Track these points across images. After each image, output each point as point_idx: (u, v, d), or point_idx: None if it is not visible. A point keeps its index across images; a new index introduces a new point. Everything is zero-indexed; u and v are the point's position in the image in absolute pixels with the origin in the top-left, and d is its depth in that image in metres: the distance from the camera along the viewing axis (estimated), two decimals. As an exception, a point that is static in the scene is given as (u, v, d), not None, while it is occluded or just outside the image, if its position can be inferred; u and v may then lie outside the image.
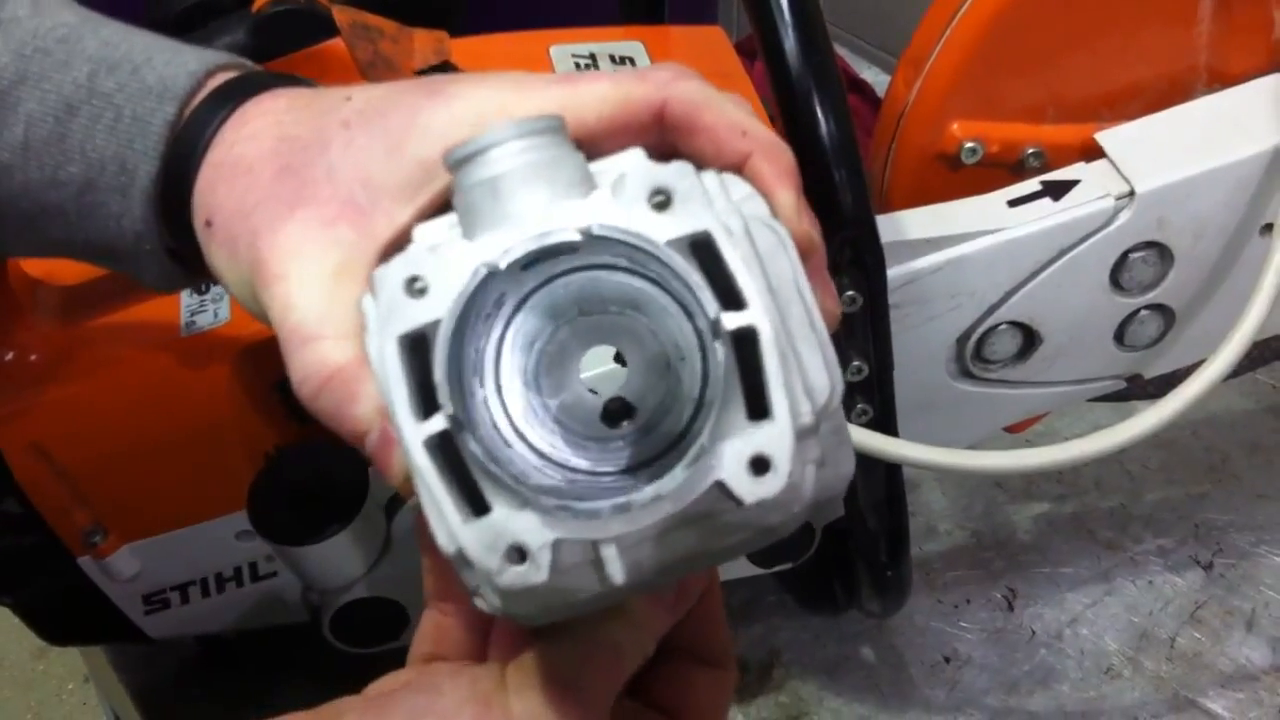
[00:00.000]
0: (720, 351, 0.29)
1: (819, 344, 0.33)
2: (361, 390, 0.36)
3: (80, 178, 0.45)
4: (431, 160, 0.37)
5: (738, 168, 0.37)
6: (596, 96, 0.37)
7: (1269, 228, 0.70)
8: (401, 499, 0.69)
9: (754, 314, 0.30)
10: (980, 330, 0.71)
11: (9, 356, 0.65)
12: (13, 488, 0.66)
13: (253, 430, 0.68)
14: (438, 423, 0.30)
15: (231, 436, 0.67)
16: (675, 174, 0.31)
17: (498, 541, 0.30)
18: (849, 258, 0.57)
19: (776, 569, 0.80)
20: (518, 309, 0.32)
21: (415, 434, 0.30)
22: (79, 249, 0.48)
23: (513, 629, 0.40)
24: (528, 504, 0.30)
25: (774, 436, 0.30)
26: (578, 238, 0.30)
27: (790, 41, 0.56)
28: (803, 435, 0.31)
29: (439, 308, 0.31)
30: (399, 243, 0.38)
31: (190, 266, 0.46)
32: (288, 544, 0.65)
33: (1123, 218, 0.68)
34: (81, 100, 0.45)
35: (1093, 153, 0.72)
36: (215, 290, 0.67)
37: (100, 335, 0.66)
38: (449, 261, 0.31)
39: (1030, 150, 0.73)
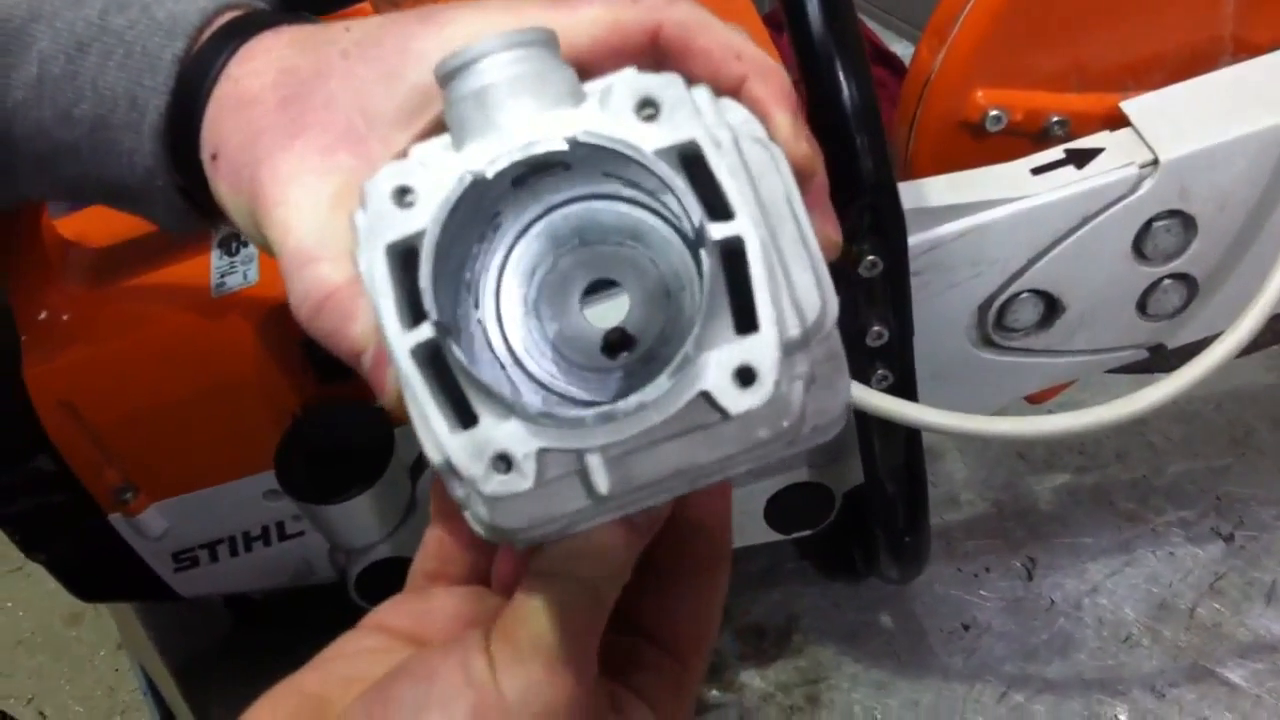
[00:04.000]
0: (705, 260, 0.29)
1: (811, 263, 0.33)
2: (358, 309, 0.37)
3: (92, 115, 0.46)
4: (427, 86, 0.38)
5: (734, 91, 0.37)
6: (588, 19, 0.38)
7: (1293, 198, 0.70)
8: (421, 461, 0.70)
9: (741, 224, 0.30)
10: (1002, 298, 0.71)
11: (41, 316, 0.67)
12: (45, 445, 0.67)
13: (280, 390, 0.69)
14: (425, 331, 0.30)
15: (259, 396, 0.68)
16: (663, 84, 0.31)
17: (483, 450, 0.30)
18: (870, 223, 0.58)
19: (795, 535, 0.80)
20: (518, 238, 0.33)
21: (402, 342, 0.31)
22: (92, 187, 0.49)
23: (512, 552, 0.40)
24: (513, 413, 0.30)
25: (759, 347, 0.30)
26: (564, 147, 0.30)
27: (813, 6, 0.57)
28: (790, 349, 0.31)
29: (427, 217, 0.31)
30: None
31: (200, 206, 0.47)
32: (313, 502, 0.66)
33: (1146, 186, 0.68)
34: (93, 37, 0.46)
35: (1117, 122, 0.72)
36: (245, 252, 0.68)
37: (130, 296, 0.68)
38: (437, 171, 0.31)
39: (1054, 119, 0.73)
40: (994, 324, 0.73)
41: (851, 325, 0.62)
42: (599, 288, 0.33)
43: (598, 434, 0.30)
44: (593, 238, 0.33)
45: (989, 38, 0.70)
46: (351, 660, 0.39)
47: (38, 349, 0.66)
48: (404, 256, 0.31)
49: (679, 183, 0.30)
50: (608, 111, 0.31)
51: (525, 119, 0.32)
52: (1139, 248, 0.71)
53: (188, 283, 0.67)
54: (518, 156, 0.31)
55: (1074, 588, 0.89)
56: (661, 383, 0.29)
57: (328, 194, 0.39)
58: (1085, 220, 0.69)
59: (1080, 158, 0.70)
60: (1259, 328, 0.65)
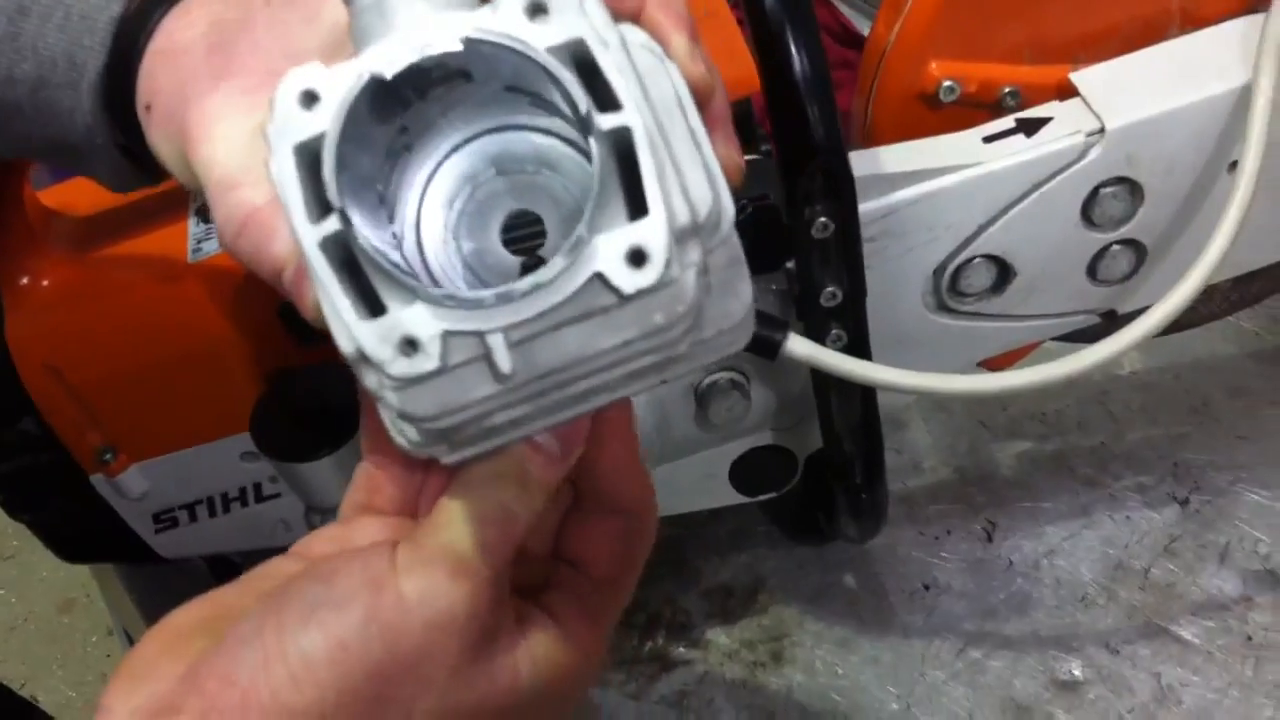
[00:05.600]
0: (594, 146, 0.31)
1: (702, 161, 0.34)
2: (278, 227, 0.38)
3: (33, 75, 0.48)
4: (341, 28, 0.39)
5: (634, 17, 0.38)
6: None
7: (1235, 165, 0.73)
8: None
9: (627, 115, 0.31)
10: (955, 263, 0.73)
11: (24, 282, 0.69)
12: (29, 407, 0.69)
13: (256, 353, 0.71)
14: (331, 223, 0.31)
15: (235, 359, 0.70)
16: None
17: (391, 334, 0.31)
18: (821, 185, 0.60)
19: (761, 498, 0.83)
20: (437, 168, 0.34)
21: (311, 235, 0.31)
22: (37, 146, 0.50)
23: (440, 482, 0.42)
24: (418, 297, 0.31)
25: (649, 229, 0.31)
26: (459, 46, 0.32)
27: (766, -21, 0.59)
28: (682, 236, 0.32)
29: (326, 116, 0.32)
30: None
31: (141, 163, 0.48)
32: (287, 461, 0.68)
33: (1093, 154, 0.71)
34: (33, 1, 0.47)
35: (1068, 92, 0.74)
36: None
37: (110, 263, 0.70)
38: (338, 73, 0.32)
39: (1007, 90, 0.75)
40: (948, 289, 0.75)
41: (806, 286, 0.64)
42: (523, 223, 0.35)
43: (498, 315, 0.31)
44: (509, 167, 0.35)
45: (943, 10, 0.73)
46: (270, 579, 0.41)
47: (21, 314, 0.68)
48: (312, 157, 0.32)
49: (565, 74, 0.31)
50: (498, 12, 0.32)
51: (420, 22, 0.33)
52: (1087, 214, 0.73)
53: (166, 250, 0.69)
54: (413, 57, 0.32)
55: (1032, 549, 0.91)
56: (556, 263, 0.30)
57: (249, 128, 0.40)
58: (1035, 187, 0.71)
59: (1030, 126, 0.72)
60: (1198, 291, 0.68)
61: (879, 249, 0.70)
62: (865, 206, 0.68)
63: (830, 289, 0.65)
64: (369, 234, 0.32)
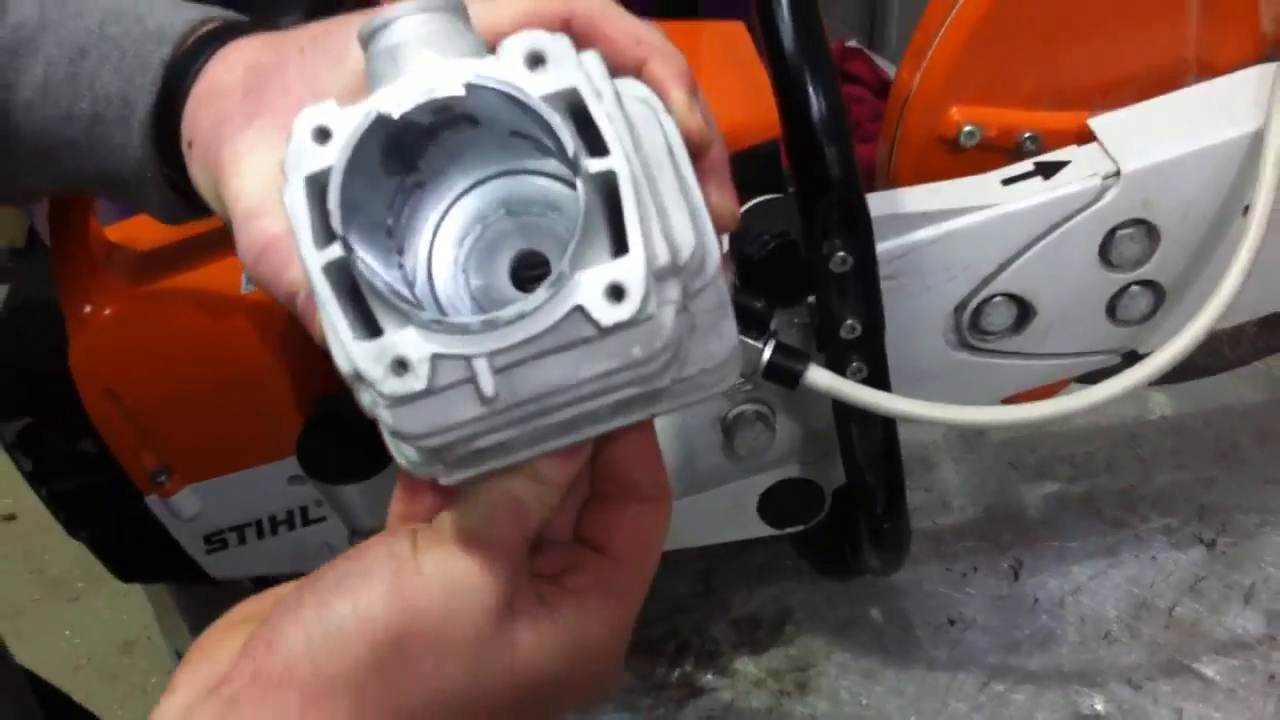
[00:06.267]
0: (580, 187, 0.33)
1: (688, 207, 0.37)
2: (294, 255, 0.40)
3: (90, 112, 0.53)
4: (363, 72, 0.42)
5: (636, 72, 0.42)
6: (509, 6, 0.43)
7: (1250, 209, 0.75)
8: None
9: (614, 160, 0.34)
10: (975, 301, 0.76)
11: (87, 310, 0.73)
12: (89, 429, 0.73)
13: (303, 381, 0.74)
14: (335, 250, 0.34)
15: (283, 386, 0.74)
16: (551, 40, 0.35)
17: (384, 355, 0.33)
18: (839, 220, 0.63)
19: (789, 530, 0.85)
20: (450, 207, 0.37)
21: (315, 260, 0.34)
22: (90, 180, 0.55)
23: None
24: (409, 321, 0.34)
25: (629, 267, 0.33)
26: (461, 91, 0.34)
27: (786, 28, 0.62)
28: (661, 275, 0.34)
29: (335, 151, 0.35)
30: None
31: (187, 196, 0.53)
32: (330, 482, 0.72)
33: (1109, 196, 0.73)
34: (92, 44, 0.52)
35: (1086, 138, 0.77)
36: (272, 253, 0.74)
37: (168, 294, 0.74)
38: (350, 111, 0.35)
39: (1027, 135, 0.78)
40: (969, 326, 0.77)
41: (826, 319, 0.67)
42: (535, 263, 0.38)
43: (484, 341, 0.33)
44: (518, 209, 0.38)
45: (964, 57, 0.76)
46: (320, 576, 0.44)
47: (83, 340, 0.72)
48: (321, 188, 0.35)
49: (556, 118, 0.34)
50: (500, 60, 0.35)
51: (428, 68, 0.36)
52: (1105, 255, 0.76)
53: (220, 282, 0.73)
54: (419, 99, 0.35)
55: (1058, 587, 0.93)
56: (540, 294, 0.33)
57: (272, 163, 0.43)
58: (1052, 227, 0.74)
59: (1048, 169, 0.75)
60: (1209, 330, 0.70)
61: (899, 286, 0.73)
62: (885, 245, 0.71)
63: (850, 322, 0.67)
64: (370, 261, 0.34)
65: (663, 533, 0.45)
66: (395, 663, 0.39)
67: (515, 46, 0.35)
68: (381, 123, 0.35)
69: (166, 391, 0.73)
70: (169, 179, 0.53)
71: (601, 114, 0.34)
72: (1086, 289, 0.77)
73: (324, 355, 0.74)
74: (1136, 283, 0.78)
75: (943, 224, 0.73)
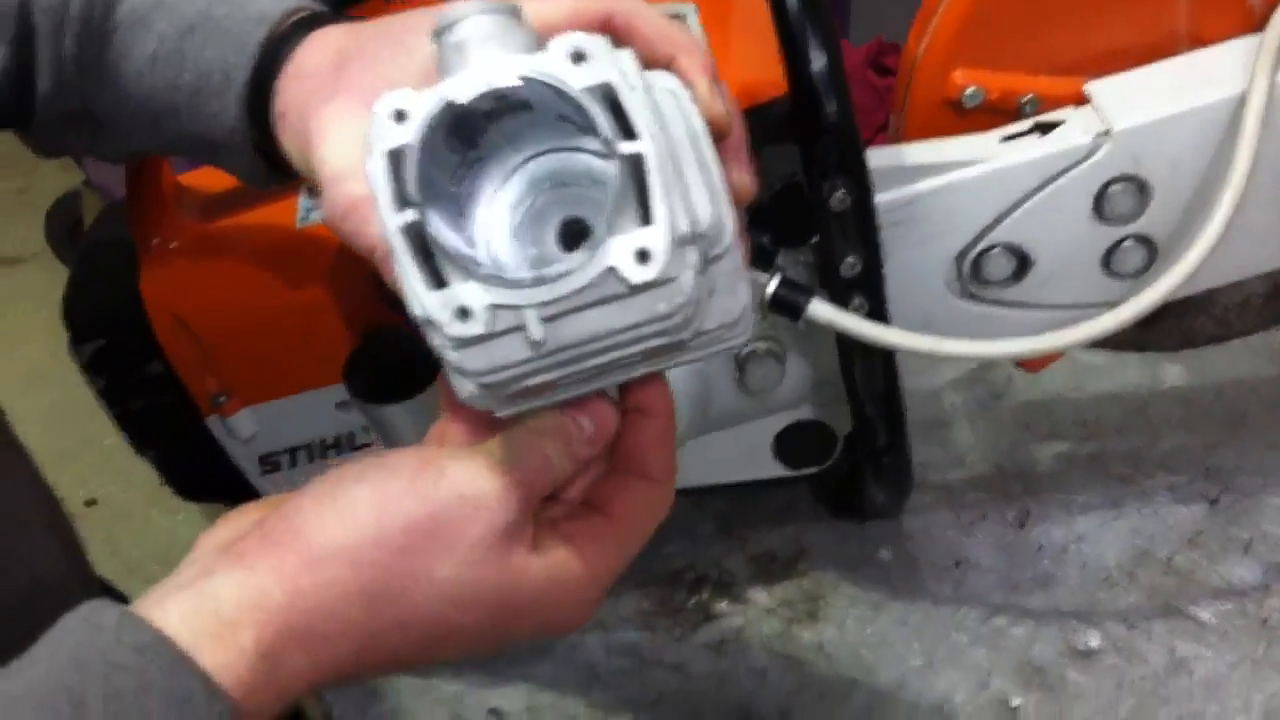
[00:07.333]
0: (614, 167, 0.40)
1: (708, 184, 0.43)
2: (373, 215, 0.46)
3: (192, 83, 0.61)
4: (433, 58, 0.49)
5: (667, 65, 0.49)
6: (556, 6, 0.50)
7: (1235, 166, 0.79)
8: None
9: (643, 143, 0.40)
10: (976, 251, 0.81)
11: (156, 242, 0.80)
12: (157, 352, 0.80)
13: (351, 312, 0.81)
14: (410, 214, 0.41)
15: (334, 316, 0.81)
16: (592, 40, 0.42)
17: (450, 303, 0.39)
18: (837, 161, 0.69)
19: (804, 471, 0.90)
20: (506, 181, 0.44)
21: (394, 221, 0.40)
22: (187, 142, 0.63)
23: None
24: (471, 276, 0.40)
25: (654, 235, 0.39)
26: (516, 82, 0.41)
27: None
28: (681, 242, 0.40)
29: (412, 130, 0.41)
30: None
31: (272, 161, 0.60)
32: (372, 403, 0.78)
33: (1101, 153, 0.78)
34: (199, 23, 0.61)
35: (1083, 101, 0.82)
36: (325, 193, 0.81)
37: (231, 228, 0.81)
38: (424, 96, 0.42)
39: (1026, 98, 0.83)
40: (971, 276, 0.83)
41: (828, 256, 0.73)
42: (575, 228, 0.44)
43: (533, 294, 0.39)
44: (564, 181, 0.44)
45: (965, 23, 0.81)
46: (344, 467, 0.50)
47: (153, 269, 0.80)
48: (399, 160, 0.41)
49: (595, 107, 0.40)
50: (549, 56, 0.42)
51: (491, 61, 0.42)
52: (1099, 209, 0.81)
53: (277, 219, 0.80)
54: (482, 88, 0.41)
55: (1062, 535, 0.97)
56: (579, 256, 0.39)
57: (358, 134, 0.49)
58: (1047, 181, 0.79)
59: (1045, 128, 0.80)
60: (1191, 274, 0.75)
61: (902, 234, 0.78)
62: (890, 195, 0.77)
63: (850, 259, 0.73)
64: (439, 224, 0.41)
65: (660, 512, 0.50)
66: (398, 543, 0.45)
67: (561, 45, 0.41)
68: (450, 108, 0.41)
69: (228, 317, 0.80)
70: (257, 145, 0.61)
71: (633, 103, 0.40)
72: (1082, 241, 0.82)
73: (370, 290, 0.81)
74: (1130, 237, 0.82)
75: (944, 176, 0.78)
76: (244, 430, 0.84)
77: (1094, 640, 0.89)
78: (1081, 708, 0.87)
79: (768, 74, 0.74)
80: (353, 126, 0.51)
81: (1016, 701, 0.88)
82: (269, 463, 0.87)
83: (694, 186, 0.42)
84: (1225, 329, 1.02)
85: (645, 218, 0.40)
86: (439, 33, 0.44)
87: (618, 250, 0.39)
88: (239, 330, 0.80)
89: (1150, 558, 0.96)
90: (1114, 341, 0.90)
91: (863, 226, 0.72)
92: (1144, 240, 0.83)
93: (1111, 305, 0.87)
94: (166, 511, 1.30)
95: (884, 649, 0.90)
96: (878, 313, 0.76)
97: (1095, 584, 0.94)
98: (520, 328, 0.40)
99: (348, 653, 0.45)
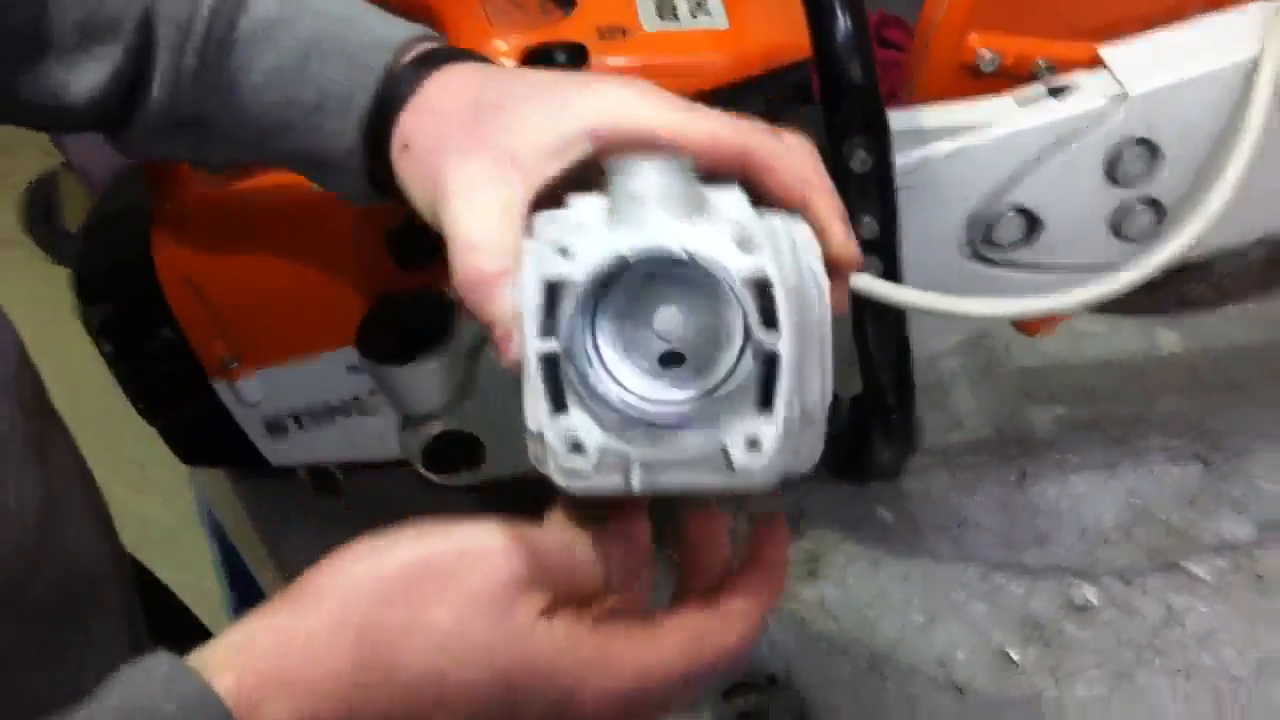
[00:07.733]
0: (749, 359, 0.42)
1: (823, 372, 0.46)
2: (501, 295, 0.48)
3: (312, 101, 0.60)
4: (574, 133, 0.52)
5: (800, 205, 0.51)
6: (697, 129, 0.51)
7: (1247, 130, 0.80)
8: (478, 348, 0.81)
9: (784, 343, 0.42)
10: (988, 213, 0.81)
11: (169, 206, 0.79)
12: (169, 318, 0.80)
13: (364, 276, 0.81)
14: (552, 344, 0.43)
15: (346, 281, 0.80)
16: (758, 226, 0.44)
17: (566, 434, 0.43)
18: (859, 122, 0.69)
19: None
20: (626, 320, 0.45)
21: (535, 346, 0.43)
22: (299, 159, 0.63)
23: None
24: (593, 417, 0.43)
25: (769, 428, 0.42)
26: (683, 255, 0.43)
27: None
28: (790, 435, 0.43)
29: (576, 270, 0.43)
30: (546, 192, 0.51)
31: (379, 185, 0.61)
32: (383, 364, 0.78)
33: (1115, 116, 0.79)
34: (324, 41, 0.60)
35: (1096, 64, 0.82)
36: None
37: (246, 192, 0.80)
38: (592, 240, 0.43)
39: (1042, 62, 0.83)
40: (982, 239, 0.83)
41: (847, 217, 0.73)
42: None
43: (646, 450, 0.43)
44: (683, 313, 0.45)
45: (983, -12, 0.81)
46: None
47: (166, 234, 0.79)
48: (551, 286, 0.43)
49: (749, 301, 0.42)
50: (716, 235, 0.43)
51: (662, 224, 0.44)
52: (1110, 172, 0.81)
53: (294, 185, 0.79)
54: (654, 251, 0.43)
55: (1059, 495, 0.98)
56: (697, 433, 0.43)
57: (495, 203, 0.51)
58: (1060, 144, 0.79)
59: (1059, 92, 0.81)
60: (1195, 239, 0.76)
61: (916, 196, 0.79)
62: (905, 158, 0.77)
63: (868, 220, 0.73)
64: (582, 362, 0.44)
65: (721, 647, 0.51)
66: (391, 589, 0.46)
67: (729, 226, 0.43)
68: (619, 261, 0.43)
69: (241, 281, 0.79)
70: (367, 168, 0.60)
71: (782, 300, 0.42)
72: (1092, 204, 0.83)
73: (384, 253, 0.80)
74: (1140, 200, 0.83)
75: (958, 139, 0.79)
76: (252, 395, 0.84)
77: (1091, 595, 0.91)
78: (1080, 660, 0.89)
79: (791, 37, 0.74)
80: (487, 194, 0.52)
81: (1016, 655, 0.89)
82: (276, 428, 0.87)
83: (812, 376, 0.45)
84: (1219, 296, 1.04)
85: (763, 399, 0.42)
86: (614, 170, 0.45)
87: (729, 429, 0.43)
88: (251, 294, 0.80)
89: (1146, 516, 0.97)
90: (1115, 304, 0.91)
91: (882, 188, 0.72)
92: (1153, 203, 0.84)
93: (1118, 268, 0.88)
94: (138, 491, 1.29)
95: (885, 606, 0.91)
96: (891, 271, 0.76)
97: (1092, 542, 0.95)
98: (621, 468, 0.44)
99: (332, 703, 0.46)
